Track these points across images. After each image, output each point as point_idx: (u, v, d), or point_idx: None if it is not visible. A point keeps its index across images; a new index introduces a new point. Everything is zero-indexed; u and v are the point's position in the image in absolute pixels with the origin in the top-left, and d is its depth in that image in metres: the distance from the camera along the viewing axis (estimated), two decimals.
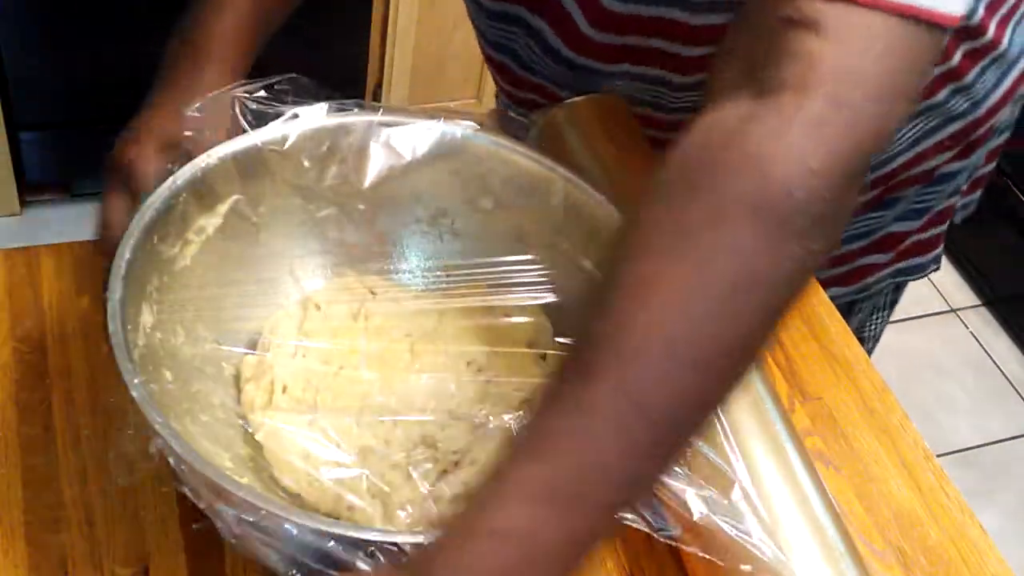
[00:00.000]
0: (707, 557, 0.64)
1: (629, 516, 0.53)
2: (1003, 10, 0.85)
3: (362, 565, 0.56)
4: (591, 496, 0.48)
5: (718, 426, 0.65)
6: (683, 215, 0.49)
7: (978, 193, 1.04)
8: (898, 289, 1.10)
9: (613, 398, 0.48)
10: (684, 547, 0.64)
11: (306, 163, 0.75)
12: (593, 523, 0.49)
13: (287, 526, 0.56)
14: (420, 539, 0.58)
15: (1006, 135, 1.01)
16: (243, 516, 0.56)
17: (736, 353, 0.50)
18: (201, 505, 0.59)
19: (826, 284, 0.99)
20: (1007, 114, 0.96)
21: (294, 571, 0.57)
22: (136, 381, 0.60)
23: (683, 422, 0.50)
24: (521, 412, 0.70)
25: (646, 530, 0.56)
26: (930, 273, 1.08)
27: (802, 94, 0.49)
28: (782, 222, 0.49)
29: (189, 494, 0.60)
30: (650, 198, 0.52)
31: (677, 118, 0.91)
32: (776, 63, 0.50)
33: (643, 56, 0.86)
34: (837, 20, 0.49)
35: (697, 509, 0.61)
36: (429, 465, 0.67)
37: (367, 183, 0.78)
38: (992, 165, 1.00)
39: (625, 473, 0.49)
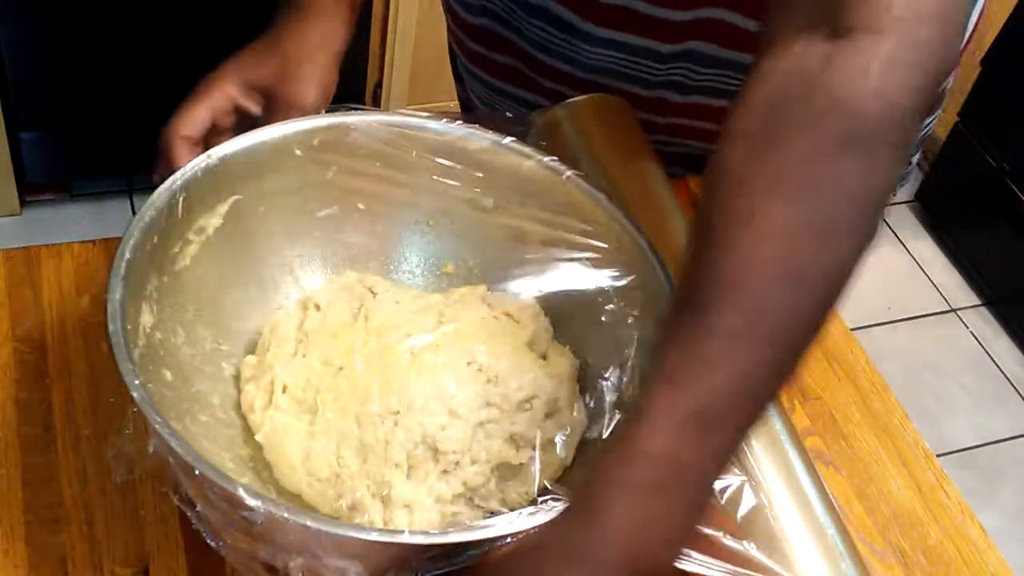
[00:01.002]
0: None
1: None
2: None
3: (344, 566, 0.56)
4: (728, 416, 0.53)
5: None
6: (778, 155, 0.53)
7: (916, 158, 1.05)
8: None
9: (736, 323, 0.52)
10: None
11: (306, 163, 0.75)
12: (730, 441, 0.54)
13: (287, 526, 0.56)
14: (421, 539, 0.58)
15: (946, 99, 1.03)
16: (242, 515, 0.56)
17: (835, 275, 0.54)
18: (190, 514, 0.60)
19: None
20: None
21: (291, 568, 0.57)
22: (136, 381, 0.60)
23: (797, 342, 0.54)
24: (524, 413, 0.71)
25: None
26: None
27: (877, 34, 0.53)
28: (872, 153, 0.53)
29: (178, 502, 0.60)
30: (737, 145, 0.55)
31: (656, 95, 0.92)
32: (848, 6, 0.54)
33: (632, 22, 0.87)
34: None
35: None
36: (429, 465, 0.67)
37: (367, 183, 0.78)
38: (929, 129, 1.00)
39: (753, 392, 0.53)
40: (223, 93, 0.76)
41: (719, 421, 0.52)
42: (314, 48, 0.79)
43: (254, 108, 0.77)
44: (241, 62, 0.78)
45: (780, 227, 0.52)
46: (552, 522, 0.56)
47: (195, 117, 0.74)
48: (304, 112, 0.77)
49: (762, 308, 0.52)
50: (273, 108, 0.77)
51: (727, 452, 0.54)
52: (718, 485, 0.61)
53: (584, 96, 0.89)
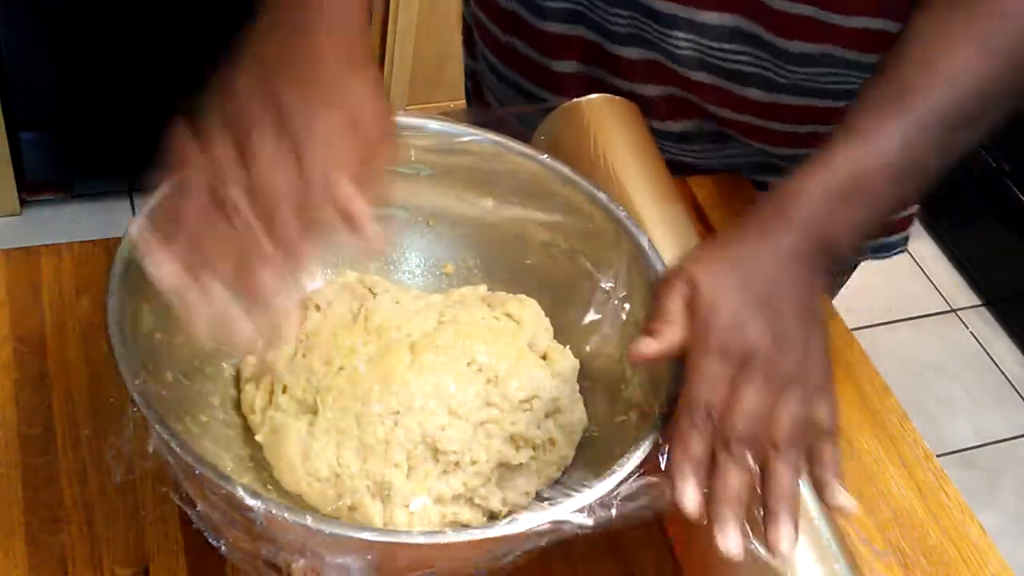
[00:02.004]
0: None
1: None
2: None
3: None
4: (903, 178, 0.65)
5: None
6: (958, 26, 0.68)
7: None
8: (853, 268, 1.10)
9: (925, 117, 0.65)
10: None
11: None
12: (876, 212, 0.65)
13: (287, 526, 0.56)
14: (420, 539, 0.58)
15: None
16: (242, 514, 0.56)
17: (1013, 96, 0.69)
18: (191, 513, 0.60)
19: None
20: None
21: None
22: (136, 381, 0.60)
23: (952, 148, 0.67)
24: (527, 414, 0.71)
25: None
26: (895, 254, 1.07)
27: None
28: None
29: (179, 501, 0.60)
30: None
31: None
32: None
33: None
34: None
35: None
36: (429, 465, 0.67)
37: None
38: None
39: (919, 169, 0.66)
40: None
41: (867, 194, 0.64)
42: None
43: None
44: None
45: (969, 55, 0.66)
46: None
47: None
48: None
49: (947, 108, 0.65)
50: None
51: (869, 225, 0.65)
52: None
53: (586, 96, 0.89)
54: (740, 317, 0.59)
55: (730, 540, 0.55)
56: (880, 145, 0.64)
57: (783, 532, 0.57)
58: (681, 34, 0.86)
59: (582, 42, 0.92)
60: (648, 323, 0.61)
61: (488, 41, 0.98)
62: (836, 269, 0.65)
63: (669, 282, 0.62)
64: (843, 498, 0.60)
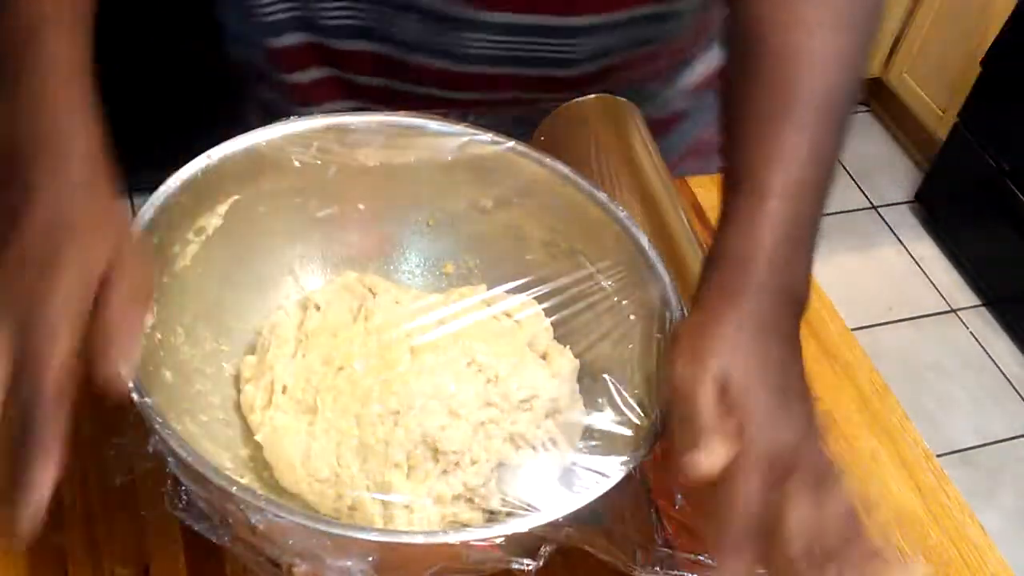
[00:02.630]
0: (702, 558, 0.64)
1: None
2: None
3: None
4: (823, 181, 0.66)
5: None
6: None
7: None
8: None
9: (813, 111, 0.66)
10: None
11: (306, 163, 0.75)
12: (816, 229, 0.65)
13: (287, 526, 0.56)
14: (421, 539, 0.58)
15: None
16: (246, 518, 0.56)
17: (864, 67, 0.71)
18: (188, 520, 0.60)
19: None
20: None
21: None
22: (136, 382, 0.59)
23: (844, 127, 0.69)
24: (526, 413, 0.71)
25: None
26: None
27: None
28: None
29: (175, 512, 0.60)
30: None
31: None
32: None
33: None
34: None
35: None
36: (429, 465, 0.67)
37: (367, 183, 0.78)
38: None
39: (830, 162, 0.67)
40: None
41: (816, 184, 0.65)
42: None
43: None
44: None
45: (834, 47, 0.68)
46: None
47: None
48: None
49: (833, 101, 0.66)
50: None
51: (820, 213, 0.66)
52: None
53: (586, 96, 0.89)
54: (774, 422, 0.58)
55: None
56: (794, 163, 0.64)
57: None
58: (471, 34, 0.86)
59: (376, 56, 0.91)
60: (694, 435, 0.58)
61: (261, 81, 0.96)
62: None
63: (694, 380, 0.59)
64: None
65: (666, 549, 0.65)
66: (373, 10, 0.86)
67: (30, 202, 0.55)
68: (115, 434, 0.63)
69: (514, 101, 0.91)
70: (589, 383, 0.75)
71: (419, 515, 0.67)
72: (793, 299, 0.63)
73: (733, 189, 0.65)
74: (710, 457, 0.56)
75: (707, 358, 0.59)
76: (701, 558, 0.64)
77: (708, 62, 0.98)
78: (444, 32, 0.85)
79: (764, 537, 0.56)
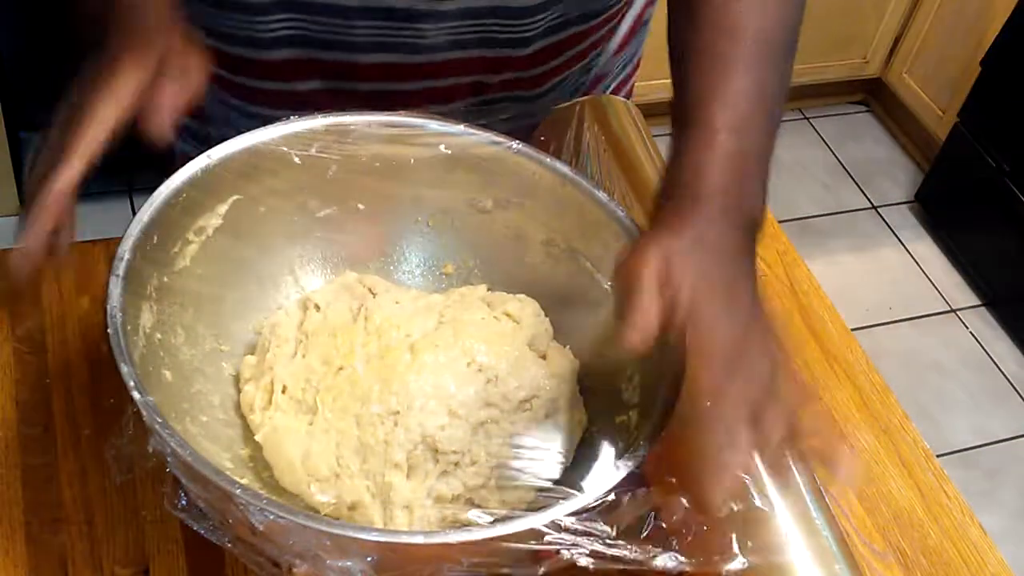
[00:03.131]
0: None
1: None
2: None
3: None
4: (769, 114, 0.68)
5: None
6: None
7: None
8: None
9: (757, 48, 0.68)
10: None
11: (306, 163, 0.75)
12: (766, 159, 0.68)
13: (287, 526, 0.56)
14: (420, 539, 0.58)
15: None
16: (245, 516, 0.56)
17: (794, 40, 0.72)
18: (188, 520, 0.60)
19: None
20: None
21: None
22: (135, 381, 0.60)
23: (789, 61, 0.72)
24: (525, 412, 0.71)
25: None
26: None
27: None
28: None
29: (175, 512, 0.60)
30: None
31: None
32: None
33: None
34: None
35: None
36: (429, 465, 0.67)
37: (367, 183, 0.78)
38: None
39: (776, 96, 0.70)
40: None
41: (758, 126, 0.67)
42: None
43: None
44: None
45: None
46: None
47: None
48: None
49: (767, 78, 0.68)
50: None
51: (768, 148, 0.68)
52: None
53: (586, 97, 0.89)
54: (713, 308, 0.61)
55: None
56: (741, 99, 0.67)
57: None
58: (429, 25, 0.84)
59: (318, 63, 0.88)
60: (627, 312, 0.61)
61: (222, 83, 0.92)
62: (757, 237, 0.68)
63: (638, 262, 0.62)
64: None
65: (666, 549, 0.65)
66: (321, 21, 0.84)
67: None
68: (115, 434, 0.63)
69: (469, 88, 0.91)
70: (589, 383, 0.75)
71: (419, 515, 0.67)
72: (744, 224, 0.65)
73: (682, 124, 0.67)
74: (644, 318, 0.60)
75: (653, 246, 0.62)
76: (701, 559, 0.64)
77: (629, 21, 0.99)
78: (402, 29, 0.85)
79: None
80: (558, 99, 0.94)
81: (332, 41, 0.85)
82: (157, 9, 0.72)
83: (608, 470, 0.62)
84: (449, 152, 0.77)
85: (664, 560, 0.64)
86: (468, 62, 0.87)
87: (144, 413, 0.58)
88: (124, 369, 0.60)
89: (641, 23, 1.00)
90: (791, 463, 0.69)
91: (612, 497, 0.61)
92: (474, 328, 0.73)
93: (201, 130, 0.95)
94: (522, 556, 0.60)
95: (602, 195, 0.75)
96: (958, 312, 2.36)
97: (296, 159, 0.75)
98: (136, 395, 0.59)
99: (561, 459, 0.71)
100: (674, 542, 0.69)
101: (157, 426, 0.58)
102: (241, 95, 0.91)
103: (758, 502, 0.65)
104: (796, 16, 0.72)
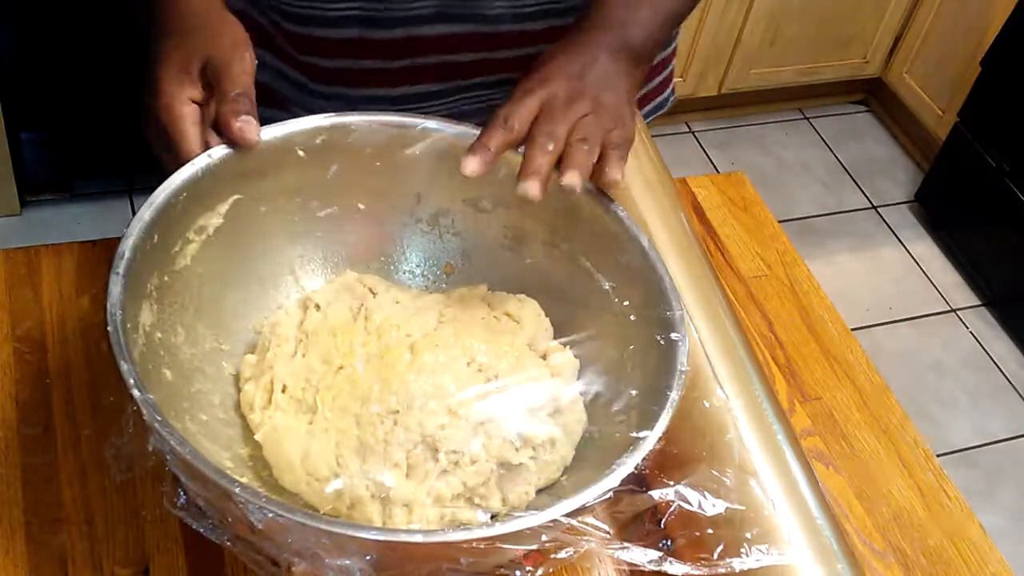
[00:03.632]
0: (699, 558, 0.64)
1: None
2: None
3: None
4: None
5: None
6: None
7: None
8: None
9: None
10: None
11: (306, 163, 0.75)
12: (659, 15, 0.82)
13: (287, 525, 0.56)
14: (420, 538, 0.58)
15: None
16: (246, 516, 0.56)
17: None
18: (188, 520, 0.60)
19: None
20: None
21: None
22: (135, 381, 0.60)
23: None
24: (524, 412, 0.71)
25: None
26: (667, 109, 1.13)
27: None
28: None
29: (175, 511, 0.60)
30: None
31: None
32: None
33: None
34: None
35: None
36: (429, 464, 0.67)
37: (367, 183, 0.78)
38: None
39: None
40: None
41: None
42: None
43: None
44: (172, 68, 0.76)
45: None
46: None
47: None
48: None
49: None
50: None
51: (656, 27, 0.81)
52: None
53: None
54: (576, 80, 0.74)
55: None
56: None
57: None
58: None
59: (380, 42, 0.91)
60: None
61: (289, 62, 0.94)
62: (642, 68, 0.81)
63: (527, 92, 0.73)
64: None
65: (665, 549, 0.65)
66: None
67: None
68: (115, 433, 0.63)
69: (437, 67, 0.92)
70: (588, 383, 0.75)
71: (418, 514, 0.67)
72: (629, 57, 0.78)
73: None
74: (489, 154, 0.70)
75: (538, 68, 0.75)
76: (701, 559, 0.65)
77: None
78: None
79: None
80: None
81: (394, 19, 0.87)
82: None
83: (608, 470, 0.62)
84: (449, 152, 0.77)
85: (663, 560, 0.64)
86: (533, 33, 0.89)
87: (144, 411, 0.58)
88: (124, 367, 0.60)
89: None
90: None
91: (612, 497, 0.61)
92: (474, 328, 0.73)
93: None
94: (521, 556, 0.60)
95: (602, 195, 0.75)
96: (958, 312, 2.36)
97: (297, 159, 0.75)
98: (136, 393, 0.59)
99: (561, 459, 0.71)
100: (674, 542, 0.69)
101: (157, 424, 0.58)
102: (308, 73, 0.92)
103: (760, 500, 0.66)
104: None
